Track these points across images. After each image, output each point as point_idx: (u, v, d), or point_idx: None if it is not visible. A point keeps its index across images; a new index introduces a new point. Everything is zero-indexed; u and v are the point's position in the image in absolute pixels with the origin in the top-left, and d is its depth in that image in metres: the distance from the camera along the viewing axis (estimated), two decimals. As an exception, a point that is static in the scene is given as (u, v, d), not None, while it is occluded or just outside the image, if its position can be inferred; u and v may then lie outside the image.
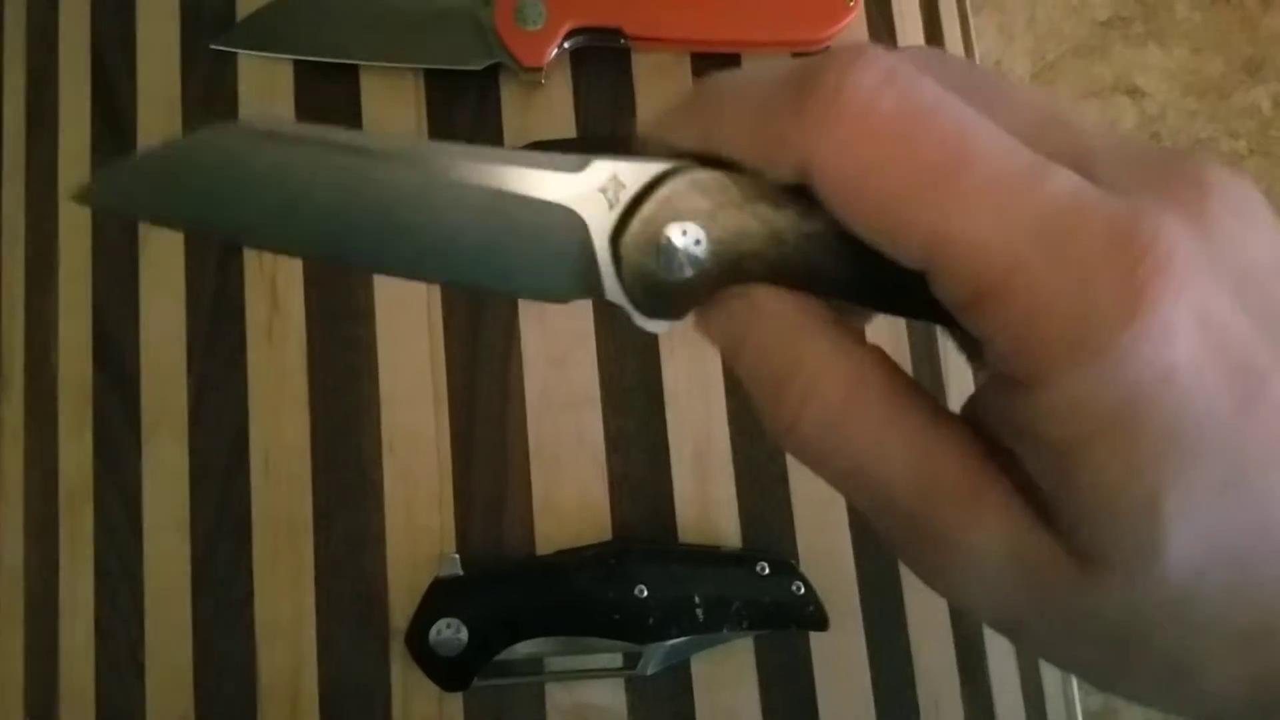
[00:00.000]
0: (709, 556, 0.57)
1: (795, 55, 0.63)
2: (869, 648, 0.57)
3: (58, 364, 0.59)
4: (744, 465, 0.59)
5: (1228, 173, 0.21)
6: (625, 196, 0.23)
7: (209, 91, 0.62)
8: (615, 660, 0.56)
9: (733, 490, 0.58)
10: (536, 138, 0.61)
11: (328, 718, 0.56)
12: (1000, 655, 0.58)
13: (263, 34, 0.62)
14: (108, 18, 0.62)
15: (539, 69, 0.59)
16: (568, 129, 0.61)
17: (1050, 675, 0.58)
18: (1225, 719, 0.23)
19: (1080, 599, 0.21)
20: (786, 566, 0.56)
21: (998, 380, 0.22)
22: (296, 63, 0.62)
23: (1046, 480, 0.21)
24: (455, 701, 0.56)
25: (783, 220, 0.23)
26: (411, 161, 0.23)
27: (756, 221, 0.23)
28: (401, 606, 0.57)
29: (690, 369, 0.59)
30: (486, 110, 0.62)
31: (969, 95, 0.21)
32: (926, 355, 0.60)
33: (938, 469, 0.22)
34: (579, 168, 0.23)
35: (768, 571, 0.55)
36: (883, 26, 0.64)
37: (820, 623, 0.56)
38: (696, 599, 0.54)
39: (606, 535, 0.58)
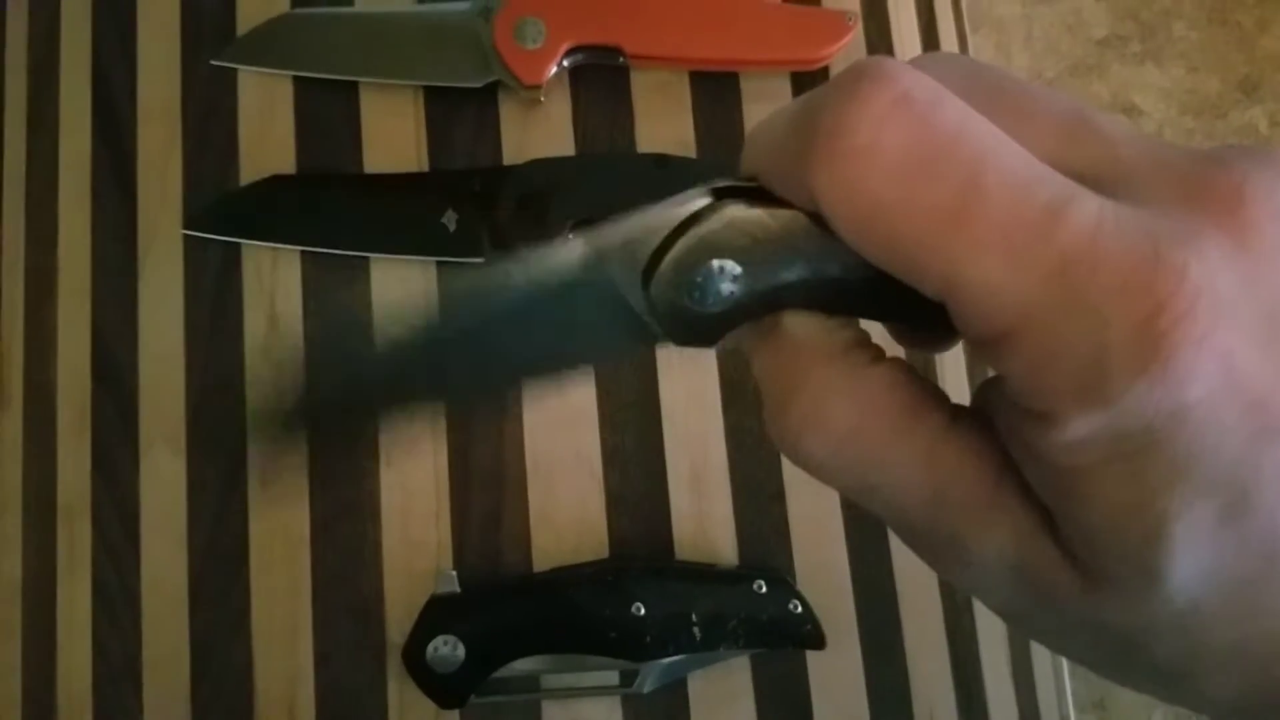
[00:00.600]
0: (706, 574, 0.57)
1: (794, 74, 0.63)
2: (865, 665, 0.57)
3: (57, 378, 0.59)
4: (741, 483, 0.59)
5: (1270, 174, 0.19)
6: (653, 240, 0.23)
7: (209, 107, 0.62)
8: (612, 678, 0.56)
9: (730, 508, 0.59)
10: (535, 155, 0.61)
11: (324, 734, 0.56)
12: (996, 673, 0.58)
13: (262, 50, 0.62)
14: (109, 33, 0.63)
15: (538, 86, 0.60)
16: (566, 146, 0.62)
17: (1045, 694, 0.58)
18: (1219, 715, 0.23)
19: (1082, 607, 0.21)
20: (783, 584, 0.56)
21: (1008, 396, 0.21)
22: (296, 79, 0.62)
23: (1050, 497, 0.21)
24: (452, 719, 0.56)
25: (817, 251, 0.22)
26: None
27: (792, 254, 0.23)
28: (398, 621, 0.57)
29: (688, 386, 0.59)
30: (485, 127, 0.62)
31: (994, 102, 0.21)
32: (922, 364, 0.60)
33: (948, 481, 0.22)
34: (588, 239, 0.24)
35: (765, 589, 0.55)
36: (881, 45, 0.64)
37: (817, 641, 0.56)
38: (694, 617, 0.54)
39: (604, 552, 0.58)
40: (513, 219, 0.59)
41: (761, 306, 0.23)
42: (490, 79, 0.60)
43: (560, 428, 0.59)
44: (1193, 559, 0.19)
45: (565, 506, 0.58)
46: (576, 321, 0.25)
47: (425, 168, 0.61)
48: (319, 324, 0.59)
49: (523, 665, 0.54)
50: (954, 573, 0.24)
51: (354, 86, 0.62)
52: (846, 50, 0.62)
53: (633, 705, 0.56)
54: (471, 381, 0.26)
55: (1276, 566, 0.20)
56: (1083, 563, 0.21)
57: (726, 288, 0.23)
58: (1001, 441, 0.22)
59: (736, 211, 0.23)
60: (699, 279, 0.23)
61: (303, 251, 0.60)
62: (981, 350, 0.20)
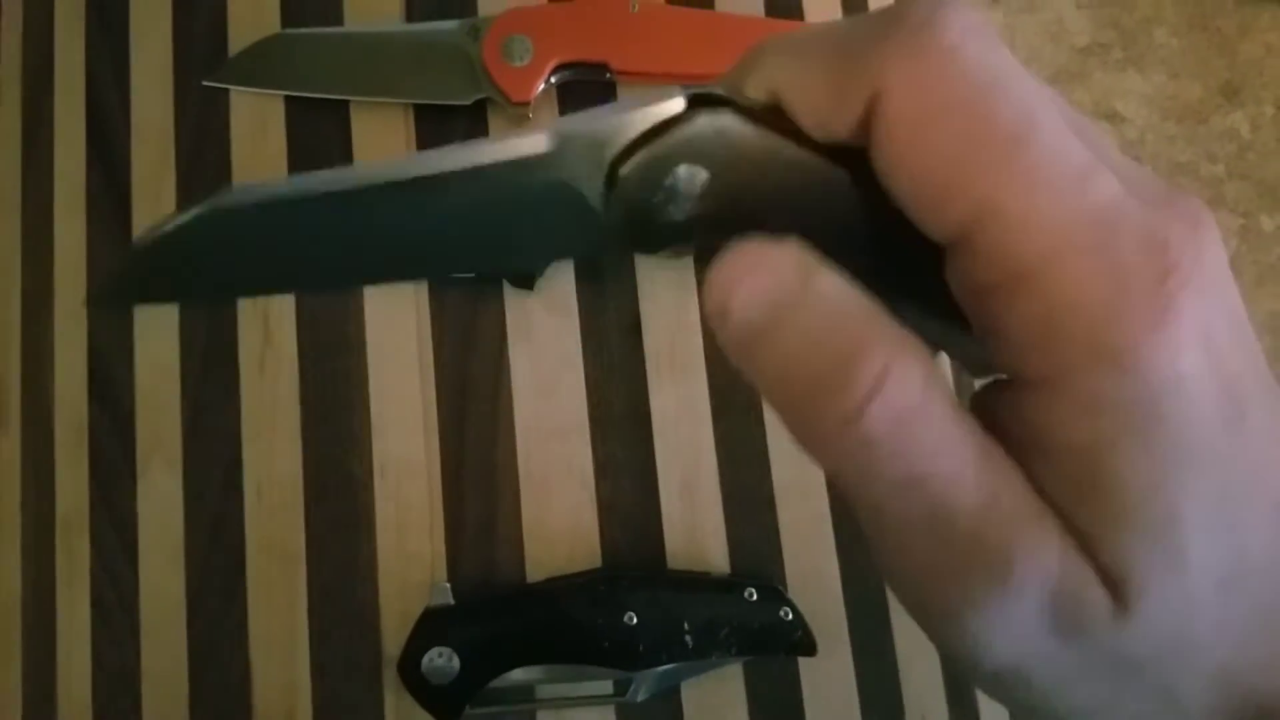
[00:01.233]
0: (698, 583, 0.57)
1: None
2: (857, 672, 0.58)
3: (54, 396, 0.60)
4: (732, 492, 0.59)
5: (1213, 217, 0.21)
6: (624, 138, 0.22)
7: (201, 127, 0.63)
8: (606, 687, 0.56)
9: (721, 517, 0.59)
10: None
11: (321, 746, 0.57)
12: (985, 678, 0.58)
13: (254, 70, 0.63)
14: (102, 56, 0.63)
15: (527, 104, 0.60)
16: (555, 162, 0.62)
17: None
18: None
19: (1111, 634, 0.20)
20: (774, 592, 0.56)
21: (1007, 385, 0.21)
22: (288, 98, 0.63)
23: (1064, 492, 0.20)
24: (448, 729, 0.56)
25: (803, 176, 0.22)
26: (394, 182, 0.23)
27: (769, 180, 0.22)
28: (393, 633, 0.57)
29: (678, 396, 0.60)
30: (475, 144, 0.62)
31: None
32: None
33: (1003, 484, 0.21)
34: (560, 127, 0.23)
35: (756, 597, 0.56)
36: (864, 58, 0.65)
37: (808, 648, 0.56)
38: (686, 625, 0.55)
39: (596, 562, 0.58)
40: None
41: (719, 227, 0.22)
42: (479, 96, 0.61)
43: (552, 439, 0.60)
44: (1204, 545, 0.20)
45: (558, 517, 0.59)
46: (528, 215, 0.23)
47: (416, 184, 0.62)
48: (312, 338, 0.60)
49: (517, 676, 0.55)
50: (979, 606, 0.20)
51: (345, 105, 0.63)
52: (830, 64, 0.63)
53: (627, 714, 0.57)
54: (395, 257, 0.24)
55: (1245, 566, 0.20)
56: (1112, 571, 0.20)
57: (692, 196, 0.22)
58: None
59: (721, 120, 0.22)
60: (666, 181, 0.22)
61: (296, 268, 0.60)
62: (990, 297, 0.20)
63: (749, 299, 0.21)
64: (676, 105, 0.22)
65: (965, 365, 0.25)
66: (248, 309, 0.60)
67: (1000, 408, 0.22)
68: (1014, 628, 0.20)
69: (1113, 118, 1.56)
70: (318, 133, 0.63)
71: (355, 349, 0.60)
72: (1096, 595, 0.20)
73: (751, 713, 0.57)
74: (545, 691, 0.56)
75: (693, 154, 0.22)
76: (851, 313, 0.20)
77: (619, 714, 0.57)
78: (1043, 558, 0.20)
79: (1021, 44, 1.56)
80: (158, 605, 0.58)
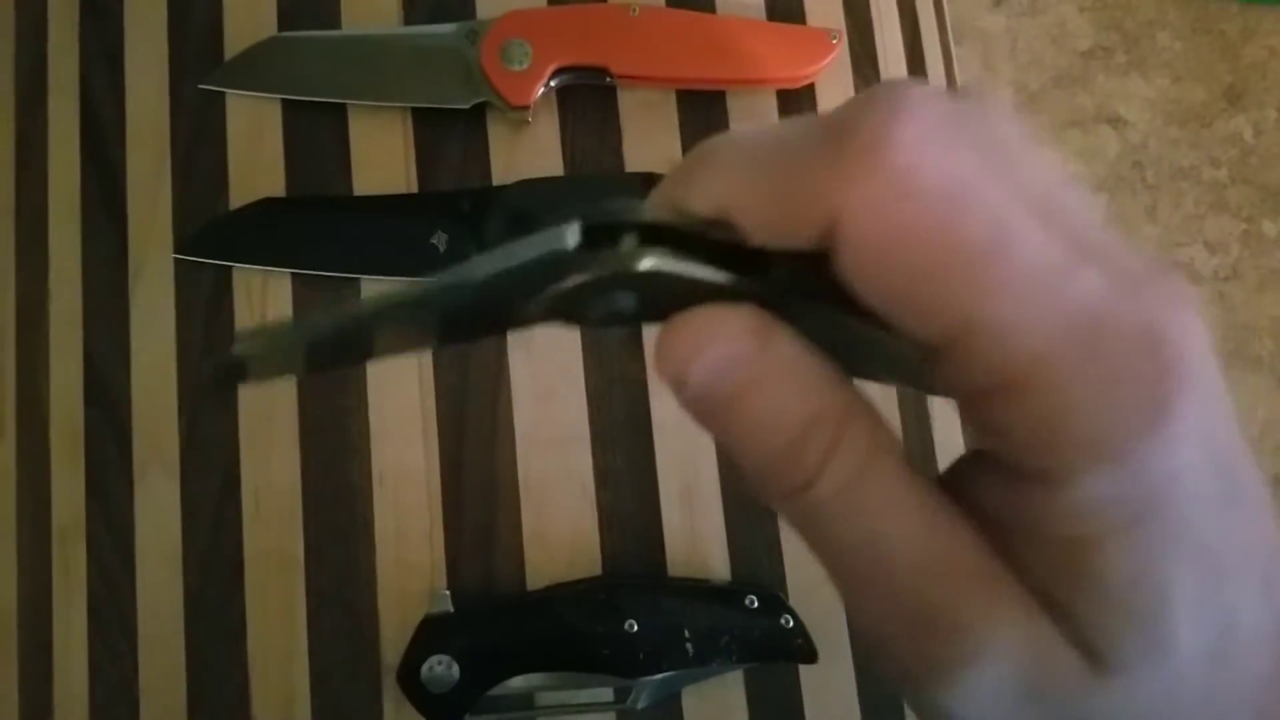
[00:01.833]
0: (698, 590, 0.57)
1: (779, 92, 0.63)
2: (858, 679, 0.58)
3: (50, 404, 0.59)
4: (732, 499, 0.59)
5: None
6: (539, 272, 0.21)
7: (197, 131, 0.62)
8: (606, 695, 0.56)
9: (721, 524, 0.59)
10: (524, 175, 0.61)
11: (320, 755, 0.56)
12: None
13: (251, 73, 0.62)
14: (96, 59, 0.63)
15: (526, 108, 0.60)
16: (555, 166, 0.62)
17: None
18: None
19: (1089, 701, 0.20)
20: (775, 600, 0.56)
21: (992, 465, 0.21)
22: (284, 101, 0.62)
23: (1049, 575, 0.20)
24: (447, 738, 0.56)
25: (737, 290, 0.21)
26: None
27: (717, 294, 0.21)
28: (393, 641, 0.57)
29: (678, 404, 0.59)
30: (474, 148, 0.62)
31: (986, 155, 0.20)
32: (915, 413, 0.60)
33: (954, 548, 0.21)
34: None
35: (757, 605, 0.56)
36: (865, 59, 0.65)
37: (809, 655, 0.56)
38: (686, 633, 0.55)
39: (596, 570, 0.58)
40: (502, 239, 0.59)
41: (658, 314, 0.22)
42: (478, 100, 0.61)
43: (552, 446, 0.59)
44: (1193, 629, 0.19)
45: (558, 525, 0.58)
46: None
47: (414, 189, 0.62)
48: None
49: (517, 684, 0.54)
50: (939, 672, 0.21)
51: (342, 109, 0.62)
52: (831, 68, 0.62)
53: (627, 722, 0.56)
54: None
55: (1232, 643, 0.20)
56: (1091, 645, 0.20)
57: (627, 309, 0.22)
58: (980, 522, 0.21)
59: (662, 263, 0.21)
60: (596, 307, 0.22)
61: (293, 274, 0.60)
62: (982, 401, 0.20)
63: (706, 371, 0.21)
64: (571, 240, 0.21)
65: (909, 381, 0.24)
66: (245, 314, 0.60)
67: (983, 485, 0.21)
68: (982, 689, 0.20)
69: (1115, 121, 1.55)
70: (315, 137, 0.62)
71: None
72: (1071, 665, 0.20)
73: (752, 719, 0.57)
74: (545, 699, 0.56)
75: (629, 287, 0.21)
76: (805, 379, 0.21)
77: (619, 722, 0.56)
78: (1001, 622, 0.20)
79: (1023, 48, 1.56)
80: (155, 614, 0.57)
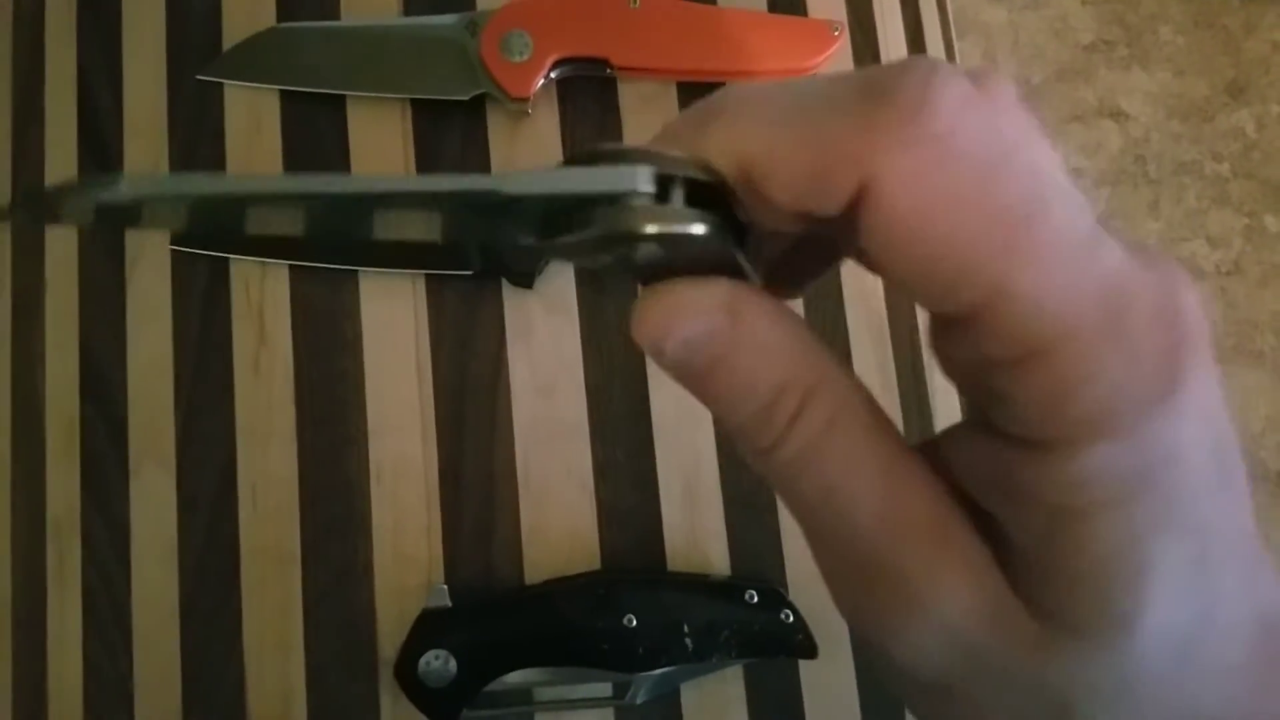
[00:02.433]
0: (698, 585, 0.57)
1: (780, 84, 0.63)
2: (858, 674, 0.57)
3: (45, 397, 0.59)
4: (732, 494, 0.59)
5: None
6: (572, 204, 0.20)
7: (195, 122, 0.62)
8: (605, 690, 0.55)
9: (721, 519, 0.58)
10: (523, 167, 0.61)
11: (317, 750, 0.56)
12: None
13: (249, 64, 0.62)
14: (93, 50, 0.63)
15: (526, 99, 0.60)
16: (554, 158, 0.62)
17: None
18: None
19: (1030, 663, 0.20)
20: (775, 595, 0.56)
21: (988, 433, 0.21)
22: (283, 92, 0.62)
23: (1027, 539, 0.20)
24: (445, 733, 0.56)
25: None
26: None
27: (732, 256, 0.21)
28: (390, 636, 0.56)
29: (679, 398, 0.59)
30: (473, 140, 0.62)
31: (1019, 125, 0.20)
32: (914, 388, 0.60)
33: (907, 504, 0.21)
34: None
35: (756, 600, 0.55)
36: (867, 52, 0.64)
37: (809, 650, 0.55)
38: (686, 628, 0.54)
39: (595, 564, 0.58)
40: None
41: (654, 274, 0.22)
42: (478, 92, 0.60)
43: (551, 441, 0.59)
44: (1164, 607, 0.19)
45: (556, 519, 0.58)
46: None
47: (413, 181, 0.61)
48: (307, 337, 0.59)
49: (515, 678, 0.54)
50: (890, 624, 0.22)
51: (341, 100, 0.62)
52: (833, 60, 0.62)
53: (626, 717, 0.56)
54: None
55: (1210, 627, 0.20)
56: (1046, 610, 0.20)
57: (637, 258, 0.21)
58: (951, 485, 0.22)
59: (696, 228, 0.20)
60: (613, 254, 0.21)
61: (291, 266, 0.60)
62: (1000, 370, 0.19)
63: (681, 343, 0.22)
64: (642, 188, 0.20)
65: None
66: (242, 307, 0.60)
67: (971, 450, 0.22)
68: (932, 642, 0.21)
69: (1117, 115, 1.55)
70: (314, 128, 0.62)
71: (352, 349, 0.59)
72: (1019, 624, 0.20)
73: (751, 715, 0.57)
74: (543, 694, 0.56)
75: (649, 242, 0.20)
76: (773, 352, 0.22)
77: (618, 716, 0.56)
78: (944, 582, 0.21)
79: (1025, 41, 1.56)
80: (151, 608, 0.57)
